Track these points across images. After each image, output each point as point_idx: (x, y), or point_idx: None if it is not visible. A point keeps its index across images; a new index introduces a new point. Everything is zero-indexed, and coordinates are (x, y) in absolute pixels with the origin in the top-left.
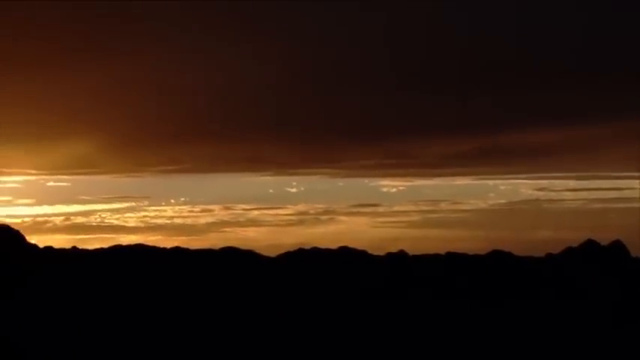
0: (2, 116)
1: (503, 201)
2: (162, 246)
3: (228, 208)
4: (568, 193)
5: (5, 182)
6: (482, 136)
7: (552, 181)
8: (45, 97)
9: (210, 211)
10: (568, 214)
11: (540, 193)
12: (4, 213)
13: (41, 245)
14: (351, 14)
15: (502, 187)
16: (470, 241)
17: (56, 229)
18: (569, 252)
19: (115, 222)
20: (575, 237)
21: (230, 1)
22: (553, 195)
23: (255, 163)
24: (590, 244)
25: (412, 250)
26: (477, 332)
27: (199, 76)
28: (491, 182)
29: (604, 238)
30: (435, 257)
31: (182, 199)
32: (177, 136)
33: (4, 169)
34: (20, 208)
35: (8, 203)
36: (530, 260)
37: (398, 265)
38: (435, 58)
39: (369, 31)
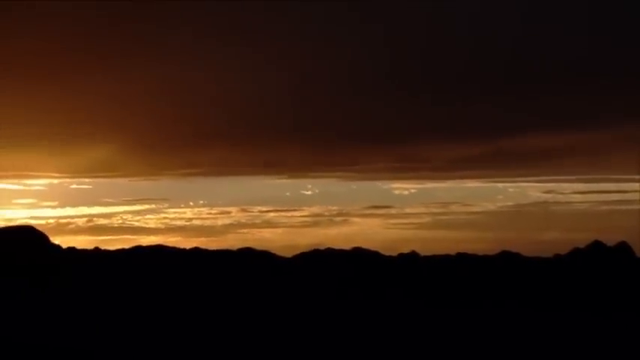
0: (26, 121)
1: (511, 203)
2: (181, 247)
3: (245, 210)
4: (575, 195)
5: (30, 185)
6: (491, 140)
7: (559, 184)
8: (67, 103)
9: (227, 213)
10: (575, 216)
11: (548, 196)
12: (29, 215)
13: (65, 246)
14: (365, 22)
15: (511, 190)
16: (479, 242)
17: (79, 231)
18: (576, 253)
19: (136, 223)
20: (581, 238)
21: (246, 9)
22: (560, 197)
23: (271, 166)
24: (596, 245)
25: (423, 250)
26: (486, 331)
27: (216, 83)
28: (500, 185)
29: (610, 239)
30: (446, 258)
31: (201, 201)
32: (196, 141)
33: (29, 173)
34: (44, 210)
35: (33, 205)
36: (538, 261)
37: (409, 266)
38: (444, 66)
39: (380, 39)
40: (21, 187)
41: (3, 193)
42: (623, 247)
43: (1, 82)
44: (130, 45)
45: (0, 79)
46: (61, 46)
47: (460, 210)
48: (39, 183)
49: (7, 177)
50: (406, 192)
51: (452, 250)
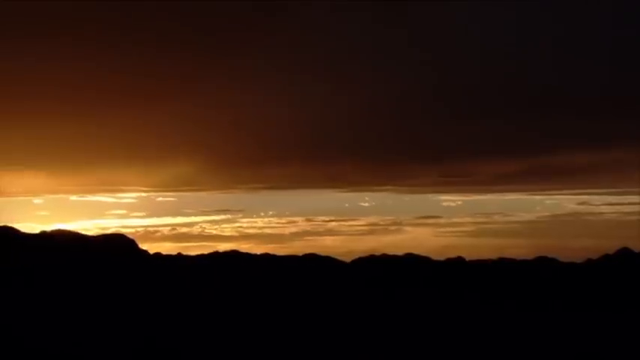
0: (119, 142)
1: (548, 213)
2: (253, 252)
3: (309, 220)
4: (605, 206)
5: (122, 198)
6: (529, 157)
7: (591, 196)
8: (154, 125)
9: (294, 222)
10: (605, 225)
11: (581, 207)
12: (121, 224)
13: (151, 252)
14: (414, 52)
15: (547, 202)
16: (519, 248)
17: (164, 238)
18: (606, 258)
19: (214, 232)
20: (611, 245)
21: (309, 43)
22: (592, 208)
23: (333, 181)
24: (624, 252)
25: (469, 255)
26: (524, 327)
27: (285, 108)
28: (537, 197)
29: (637, 245)
30: (489, 262)
31: (271, 212)
32: (267, 159)
33: (121, 187)
34: (134, 220)
35: (124, 216)
36: (571, 265)
37: (456, 269)
38: (488, 91)
39: (429, 67)
40: (114, 200)
41: (98, 205)
42: None
43: (99, 109)
44: (208, 73)
45: (99, 106)
46: (151, 76)
47: (502, 220)
48: (129, 196)
49: (102, 191)
50: (453, 204)
51: (494, 255)
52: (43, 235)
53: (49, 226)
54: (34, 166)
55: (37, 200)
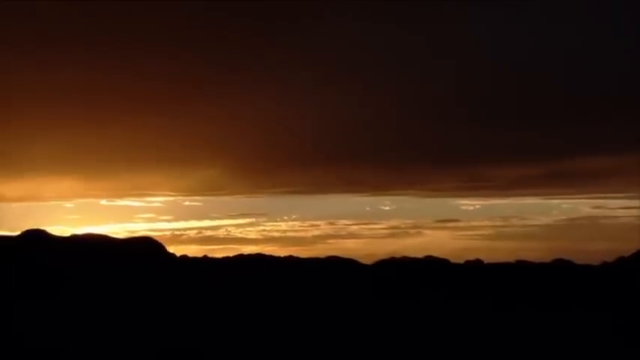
0: (148, 148)
1: (564, 217)
2: (277, 255)
3: (332, 224)
4: (620, 210)
5: (150, 202)
6: (546, 162)
7: (607, 200)
8: (181, 131)
9: (317, 225)
10: (620, 228)
11: (597, 211)
12: (149, 227)
13: (178, 254)
14: (437, 59)
15: (564, 206)
16: (536, 251)
17: (190, 241)
18: (621, 261)
19: (239, 235)
20: (627, 248)
21: (330, 51)
22: (608, 212)
23: (354, 185)
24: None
25: (487, 258)
26: (542, 328)
27: (307, 113)
28: (554, 201)
29: None
30: (507, 264)
31: (294, 215)
32: (290, 164)
33: (149, 192)
34: (161, 223)
35: (152, 219)
36: (588, 268)
37: (475, 271)
38: (506, 98)
39: (449, 73)
40: (142, 204)
41: (127, 209)
42: None
43: (128, 115)
44: (233, 79)
45: (128, 113)
46: (179, 82)
47: (519, 223)
48: (157, 200)
49: (130, 195)
50: (472, 207)
51: (512, 257)
52: (74, 239)
53: (80, 230)
54: (65, 171)
55: (67, 204)
